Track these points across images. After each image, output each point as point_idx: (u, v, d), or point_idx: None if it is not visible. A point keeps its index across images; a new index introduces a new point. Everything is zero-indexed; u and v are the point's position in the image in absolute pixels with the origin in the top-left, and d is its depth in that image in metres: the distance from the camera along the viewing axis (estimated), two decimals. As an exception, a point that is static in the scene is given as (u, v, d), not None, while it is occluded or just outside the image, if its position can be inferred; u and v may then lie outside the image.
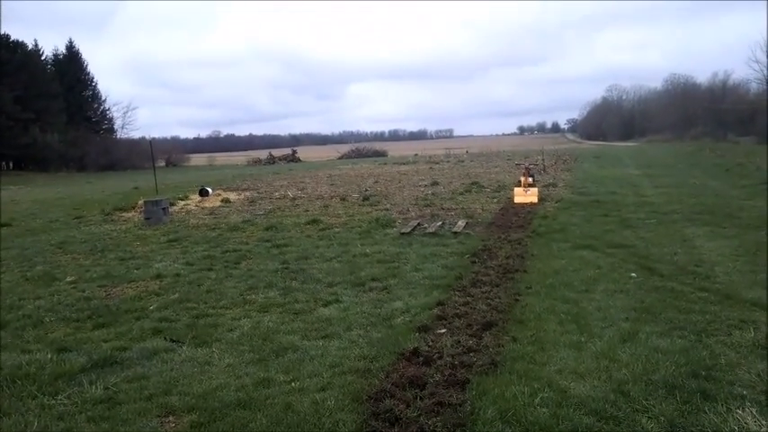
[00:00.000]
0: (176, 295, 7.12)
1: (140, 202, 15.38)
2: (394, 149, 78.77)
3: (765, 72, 62.64)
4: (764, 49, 60.19)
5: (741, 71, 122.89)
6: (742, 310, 5.68)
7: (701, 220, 10.98)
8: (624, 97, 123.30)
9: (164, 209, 13.97)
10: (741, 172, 21.79)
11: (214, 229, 12.45)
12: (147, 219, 13.53)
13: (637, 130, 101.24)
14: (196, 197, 18.69)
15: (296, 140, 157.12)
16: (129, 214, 15.51)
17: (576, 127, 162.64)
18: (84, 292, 7.50)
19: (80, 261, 9.64)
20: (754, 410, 3.69)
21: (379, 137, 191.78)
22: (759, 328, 5.09)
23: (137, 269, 8.77)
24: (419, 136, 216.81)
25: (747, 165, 24.61)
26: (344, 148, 76.74)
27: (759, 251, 8.24)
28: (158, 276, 8.17)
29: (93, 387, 4.47)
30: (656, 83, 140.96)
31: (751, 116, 64.57)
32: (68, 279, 8.25)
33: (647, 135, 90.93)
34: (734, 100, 72.71)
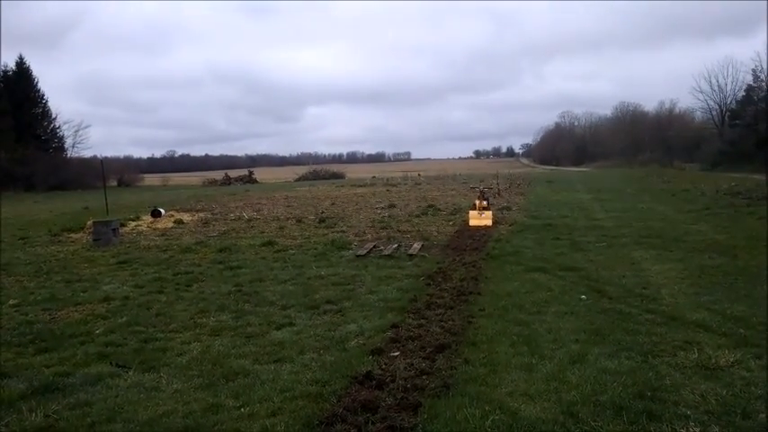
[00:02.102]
0: (124, 319, 6.93)
1: (89, 222, 14.97)
2: (352, 171, 78.92)
3: (709, 102, 65.53)
4: (708, 79, 62.99)
5: (686, 100, 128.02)
6: (687, 331, 5.84)
7: (648, 244, 11.30)
8: (576, 123, 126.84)
9: (114, 230, 13.64)
10: (687, 197, 22.56)
11: (166, 250, 12.20)
12: (95, 240, 13.17)
13: (588, 155, 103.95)
14: (148, 218, 18.32)
15: (253, 161, 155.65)
16: (78, 235, 15.06)
17: (530, 152, 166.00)
18: (27, 315, 7.24)
19: (24, 283, 9.30)
20: (697, 430, 3.78)
21: (337, 159, 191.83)
22: (703, 349, 5.24)
23: (83, 292, 8.51)
24: (377, 158, 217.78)
25: (692, 190, 25.50)
26: (302, 170, 76.43)
27: (703, 274, 8.51)
28: (106, 299, 7.94)
29: (33, 414, 4.29)
30: (606, 110, 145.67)
31: (696, 143, 67.15)
32: (11, 302, 7.94)
33: (598, 160, 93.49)
34: (679, 128, 75.56)
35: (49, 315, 7.26)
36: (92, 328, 6.58)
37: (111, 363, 5.38)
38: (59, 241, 14.26)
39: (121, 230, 14.67)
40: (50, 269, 10.44)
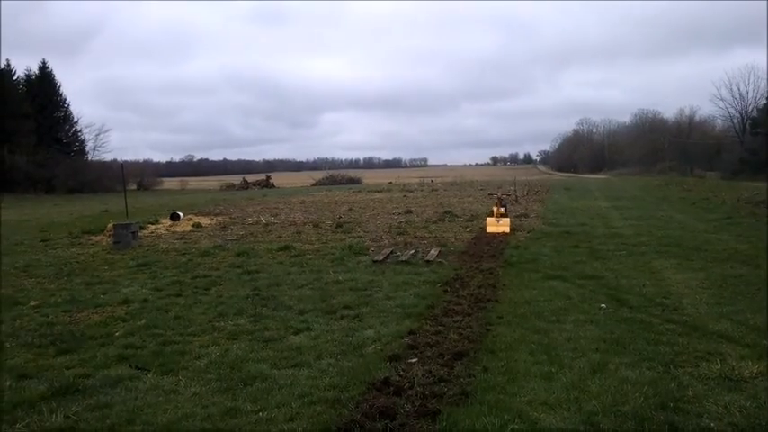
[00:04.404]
0: (143, 321, 6.98)
1: (109, 225, 15.12)
2: (368, 177, 79.10)
3: (729, 110, 64.85)
4: (729, 87, 62.32)
5: (706, 108, 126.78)
6: (709, 341, 5.75)
7: (668, 253, 11.17)
8: (594, 131, 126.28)
9: (133, 233, 13.76)
10: (707, 206, 22.30)
11: (184, 254, 12.28)
12: (115, 243, 13.30)
13: (606, 162, 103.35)
14: (167, 221, 18.45)
15: (270, 166, 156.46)
16: (98, 238, 15.22)
17: (547, 158, 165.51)
18: (47, 317, 7.31)
19: (45, 285, 9.40)
20: (721, 443, 3.72)
21: (353, 164, 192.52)
22: (725, 359, 5.16)
23: (103, 294, 8.58)
24: (394, 164, 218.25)
25: (713, 199, 25.20)
26: (319, 175, 76.80)
27: (725, 284, 8.39)
28: (125, 302, 8.00)
29: (54, 416, 4.32)
30: (624, 117, 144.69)
31: (716, 151, 66.47)
32: (32, 303, 8.03)
33: (617, 168, 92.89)
34: (700, 135, 74.84)
35: (70, 317, 7.33)
36: (111, 331, 6.63)
37: (130, 365, 5.42)
38: (80, 243, 14.41)
39: (141, 234, 14.79)
40: (71, 271, 10.54)
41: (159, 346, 6.04)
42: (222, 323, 6.85)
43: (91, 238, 15.32)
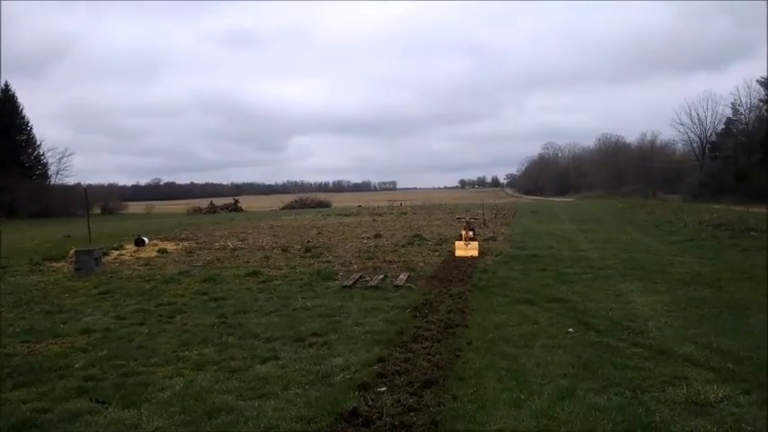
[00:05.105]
0: (104, 352, 6.78)
1: (71, 251, 14.75)
2: (338, 200, 79.08)
3: (689, 134, 66.76)
4: (688, 112, 64.32)
5: (667, 132, 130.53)
6: (675, 365, 5.81)
7: (633, 276, 11.33)
8: (560, 154, 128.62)
9: (96, 259, 13.46)
10: (670, 228, 22.76)
11: (149, 280, 12.03)
12: (77, 269, 12.97)
13: (572, 185, 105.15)
14: (131, 247, 18.12)
15: (238, 190, 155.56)
16: (60, 264, 14.83)
17: (514, 182, 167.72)
18: (5, 348, 7.05)
19: (3, 314, 9.08)
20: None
21: (323, 187, 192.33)
22: (691, 384, 5.21)
23: (64, 323, 8.33)
24: (363, 187, 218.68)
25: (675, 222, 25.75)
26: (288, 199, 76.44)
27: (689, 307, 8.53)
28: (86, 331, 7.77)
29: (7, 454, 4.14)
30: (588, 141, 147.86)
31: (678, 175, 68.17)
32: (-13, 334, 7.75)
33: (582, 191, 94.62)
34: (661, 159, 76.79)
35: (28, 348, 7.08)
36: (71, 362, 6.42)
37: (90, 398, 5.24)
38: (40, 271, 14.03)
39: (104, 260, 14.47)
40: (30, 299, 10.24)
41: (121, 377, 5.87)
42: (187, 353, 6.69)
43: (52, 264, 14.93)
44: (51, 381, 5.81)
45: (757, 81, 54.35)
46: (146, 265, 14.63)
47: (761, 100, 54.79)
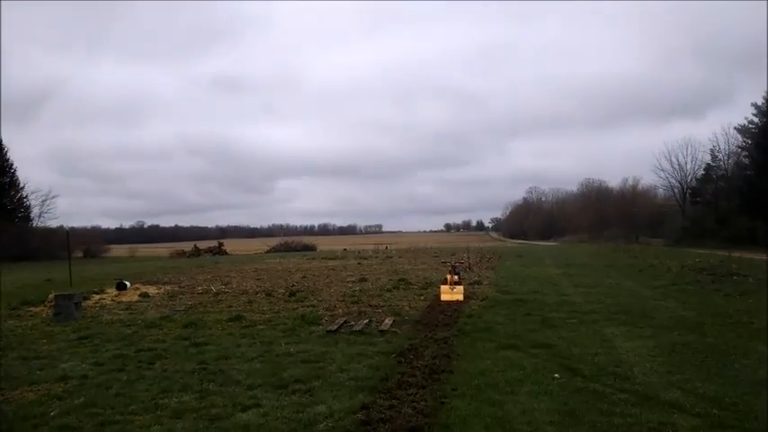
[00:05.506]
0: (81, 399, 6.61)
1: (51, 295, 14.50)
2: (323, 243, 78.82)
3: (670, 179, 67.91)
4: (669, 158, 65.61)
5: (648, 177, 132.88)
6: (661, 412, 5.77)
7: (618, 320, 11.33)
8: (543, 199, 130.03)
9: (76, 303, 13.23)
10: (653, 273, 22.90)
11: (129, 325, 11.83)
12: (56, 314, 12.74)
13: (556, 229, 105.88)
14: (113, 291, 17.87)
15: (223, 233, 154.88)
16: (38, 309, 14.55)
17: (499, 225, 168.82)
18: (-24, 396, 6.86)
19: (-24, 361, 8.86)
20: None
21: (308, 230, 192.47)
22: (678, 430, 5.17)
23: (40, 370, 8.13)
24: (348, 231, 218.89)
25: (658, 266, 25.93)
26: (273, 242, 76.09)
27: (674, 352, 8.52)
28: (63, 378, 7.59)
29: None
30: (571, 186, 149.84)
31: (660, 220, 69.05)
32: (-40, 381, 7.53)
33: (566, 235, 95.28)
34: (643, 204, 77.87)
35: (2, 395, 6.89)
36: (47, 410, 6.25)
37: (64, 449, 5.08)
38: (18, 315, 13.75)
39: (84, 304, 14.24)
40: (6, 345, 10.00)
41: (98, 426, 5.71)
42: (166, 400, 6.54)
43: (31, 309, 14.66)
44: (26, 430, 5.65)
45: (735, 128, 55.81)
46: (127, 309, 14.41)
47: (739, 146, 56.13)
